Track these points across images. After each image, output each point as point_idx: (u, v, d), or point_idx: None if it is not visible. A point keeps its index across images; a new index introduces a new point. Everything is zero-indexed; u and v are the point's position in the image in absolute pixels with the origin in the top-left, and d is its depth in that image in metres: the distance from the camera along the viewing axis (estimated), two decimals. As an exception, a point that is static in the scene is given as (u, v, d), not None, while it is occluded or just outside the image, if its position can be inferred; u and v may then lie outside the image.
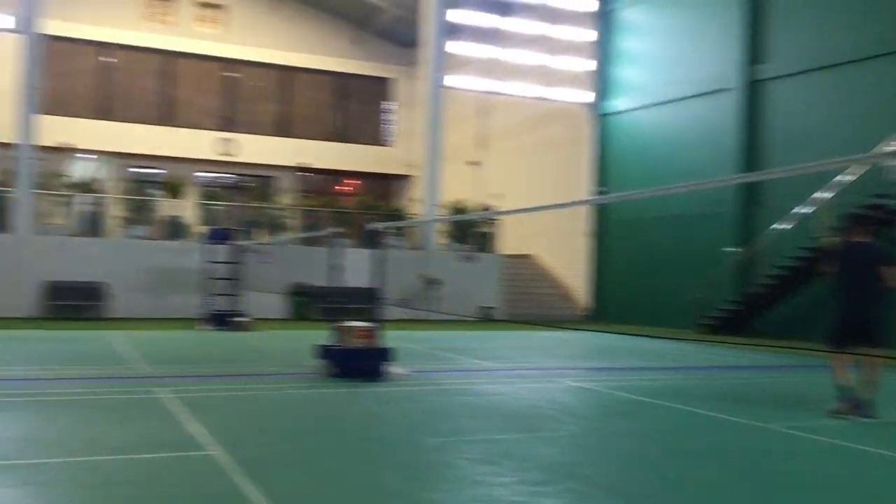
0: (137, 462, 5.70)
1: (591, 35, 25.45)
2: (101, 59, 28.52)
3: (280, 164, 29.73)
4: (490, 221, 24.30)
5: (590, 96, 25.33)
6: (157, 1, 28.99)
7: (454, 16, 24.57)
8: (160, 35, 28.83)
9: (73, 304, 19.45)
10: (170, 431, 6.71)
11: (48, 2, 20.93)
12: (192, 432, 6.65)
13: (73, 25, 26.58)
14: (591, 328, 19.45)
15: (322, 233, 18.28)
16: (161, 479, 5.33)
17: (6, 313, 18.65)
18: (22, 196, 19.62)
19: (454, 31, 25.12)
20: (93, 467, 5.53)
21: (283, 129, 30.85)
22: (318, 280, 17.22)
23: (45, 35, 20.65)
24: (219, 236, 18.87)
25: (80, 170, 23.96)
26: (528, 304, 24.14)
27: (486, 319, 21.43)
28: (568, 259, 26.13)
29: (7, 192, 20.07)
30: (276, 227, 23.33)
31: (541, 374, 11.65)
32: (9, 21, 20.28)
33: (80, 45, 27.73)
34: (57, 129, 23.85)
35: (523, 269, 26.30)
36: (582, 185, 24.84)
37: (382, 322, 10.52)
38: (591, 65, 25.41)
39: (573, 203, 23.37)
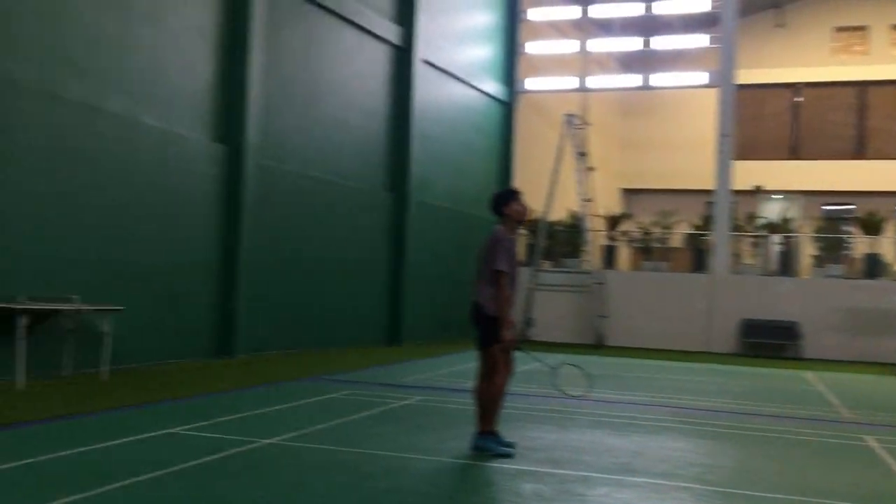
0: (850, 510, 5.36)
1: None
2: (790, 99, 28.75)
3: None
4: None
5: None
6: (848, 33, 28.04)
7: None
8: (849, 66, 27.78)
9: (768, 342, 19.76)
10: (883, 483, 6.17)
11: (740, 54, 21.99)
12: (910, 488, 6.01)
13: (763, 71, 27.41)
14: None
15: None
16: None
17: (705, 348, 20.03)
18: (718, 238, 20.85)
19: None
20: (803, 508, 5.41)
21: None
22: None
23: (736, 85, 21.71)
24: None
25: (771, 210, 24.41)
26: None
27: None
28: None
29: (705, 234, 21.59)
30: None
31: None
32: (703, 77, 22.00)
33: (769, 90, 28.45)
34: (748, 173, 24.77)
35: None
36: None
37: None
38: None
39: None
